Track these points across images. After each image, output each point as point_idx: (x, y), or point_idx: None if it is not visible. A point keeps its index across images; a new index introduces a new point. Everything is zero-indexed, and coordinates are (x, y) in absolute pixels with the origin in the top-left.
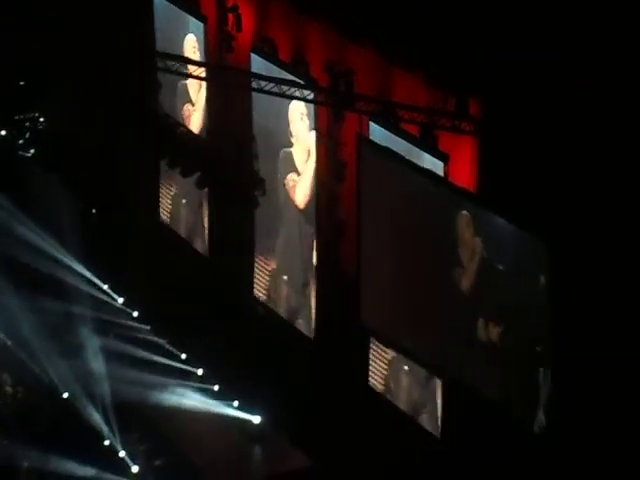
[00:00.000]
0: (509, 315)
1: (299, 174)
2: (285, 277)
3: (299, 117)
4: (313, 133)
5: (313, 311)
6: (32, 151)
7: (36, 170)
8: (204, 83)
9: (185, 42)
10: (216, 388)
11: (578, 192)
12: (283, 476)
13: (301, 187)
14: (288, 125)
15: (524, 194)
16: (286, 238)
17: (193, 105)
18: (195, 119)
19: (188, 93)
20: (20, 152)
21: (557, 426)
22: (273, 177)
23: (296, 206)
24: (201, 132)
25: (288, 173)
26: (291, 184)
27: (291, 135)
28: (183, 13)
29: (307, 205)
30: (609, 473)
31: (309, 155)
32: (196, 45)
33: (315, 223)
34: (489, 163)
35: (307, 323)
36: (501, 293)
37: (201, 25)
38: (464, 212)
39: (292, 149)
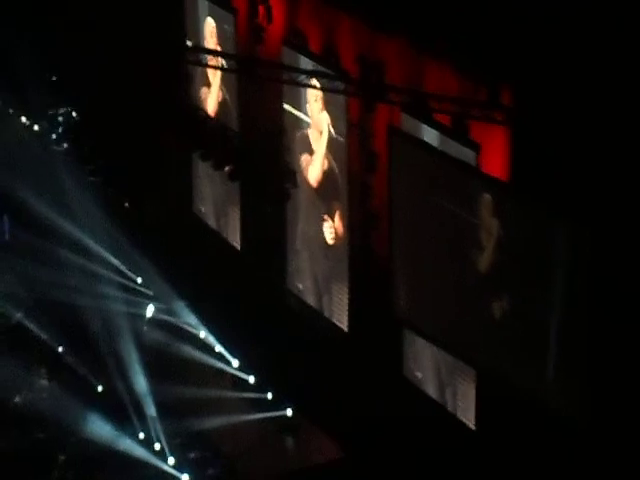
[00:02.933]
0: (526, 297)
1: (312, 154)
2: (307, 258)
3: (314, 98)
4: (325, 114)
5: (345, 301)
6: (65, 145)
7: (69, 164)
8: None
9: (205, 26)
10: (251, 380)
11: (609, 180)
12: (317, 468)
13: (314, 166)
14: (305, 107)
15: (556, 182)
16: (304, 219)
17: (209, 87)
18: (211, 102)
19: (205, 75)
20: (53, 146)
21: (592, 416)
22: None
23: (310, 185)
24: (232, 124)
25: (303, 153)
26: (304, 164)
27: (307, 115)
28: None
29: (319, 183)
30: None
31: (321, 135)
32: (214, 30)
33: (347, 214)
34: (521, 152)
35: (340, 314)
36: (517, 275)
37: (220, 11)
38: (487, 195)
39: (308, 130)
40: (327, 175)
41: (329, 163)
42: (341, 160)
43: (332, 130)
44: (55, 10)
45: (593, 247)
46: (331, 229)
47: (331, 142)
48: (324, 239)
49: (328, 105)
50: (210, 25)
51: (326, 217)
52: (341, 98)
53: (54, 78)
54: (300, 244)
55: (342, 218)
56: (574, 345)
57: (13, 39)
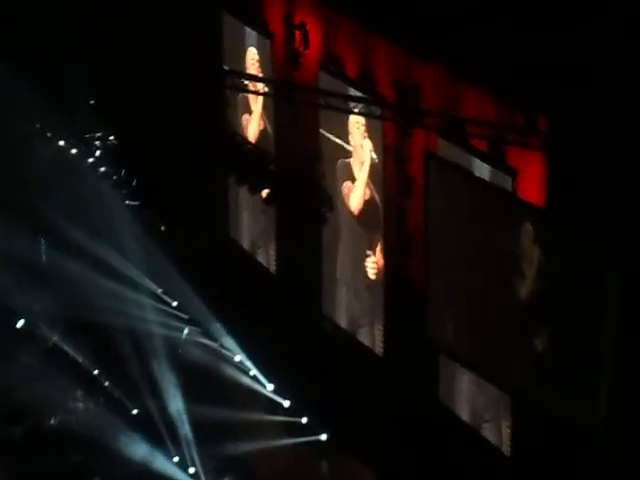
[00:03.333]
0: (570, 326)
1: (354, 181)
2: (345, 288)
3: (356, 126)
4: (368, 141)
5: (381, 327)
6: (102, 169)
7: (106, 187)
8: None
9: (247, 55)
10: (286, 404)
11: None
12: None
13: (355, 193)
14: (348, 136)
15: (593, 209)
16: (343, 247)
17: (250, 114)
18: (252, 128)
19: (247, 103)
20: (90, 170)
21: (625, 443)
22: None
23: (351, 212)
24: (269, 148)
25: (344, 181)
26: (346, 191)
27: (348, 143)
28: (244, 26)
29: (360, 211)
30: None
31: (363, 163)
32: (256, 58)
33: (382, 239)
34: (558, 178)
35: (375, 339)
36: (560, 304)
37: (264, 39)
38: (527, 224)
39: (350, 159)
40: (369, 204)
41: (370, 192)
42: (381, 187)
43: (374, 157)
44: (97, 34)
45: (628, 274)
46: (374, 264)
47: (372, 169)
48: (366, 274)
49: (370, 132)
50: (252, 54)
51: (369, 252)
52: (381, 125)
53: (93, 101)
54: (340, 275)
55: (382, 249)
56: (619, 379)
57: (53, 62)
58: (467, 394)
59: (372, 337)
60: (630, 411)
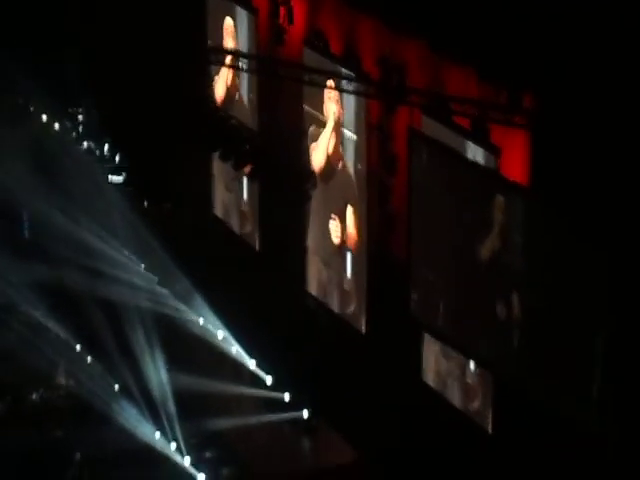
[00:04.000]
0: (543, 304)
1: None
2: (315, 256)
3: (327, 96)
4: (332, 104)
5: (364, 304)
6: (85, 144)
7: (89, 163)
8: None
9: (224, 24)
10: (269, 381)
11: (630, 186)
12: (332, 470)
13: (316, 155)
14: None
15: (576, 187)
16: (312, 213)
17: (226, 86)
18: (227, 101)
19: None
20: (73, 145)
21: (611, 425)
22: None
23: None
24: (252, 125)
25: (311, 143)
26: (312, 153)
27: (323, 114)
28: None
29: (323, 173)
30: None
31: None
32: (233, 29)
33: (366, 216)
34: (541, 156)
35: (358, 316)
36: (533, 279)
37: (242, 10)
38: (501, 197)
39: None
40: (338, 171)
41: (342, 160)
42: (356, 159)
43: (345, 128)
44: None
45: (612, 256)
46: (337, 229)
47: (345, 140)
48: (331, 239)
49: (341, 101)
50: (229, 25)
51: (333, 216)
52: (355, 97)
53: (78, 76)
54: (310, 243)
55: (356, 219)
56: (590, 355)
57: (33, 37)
58: (449, 372)
59: (356, 316)
60: (609, 389)
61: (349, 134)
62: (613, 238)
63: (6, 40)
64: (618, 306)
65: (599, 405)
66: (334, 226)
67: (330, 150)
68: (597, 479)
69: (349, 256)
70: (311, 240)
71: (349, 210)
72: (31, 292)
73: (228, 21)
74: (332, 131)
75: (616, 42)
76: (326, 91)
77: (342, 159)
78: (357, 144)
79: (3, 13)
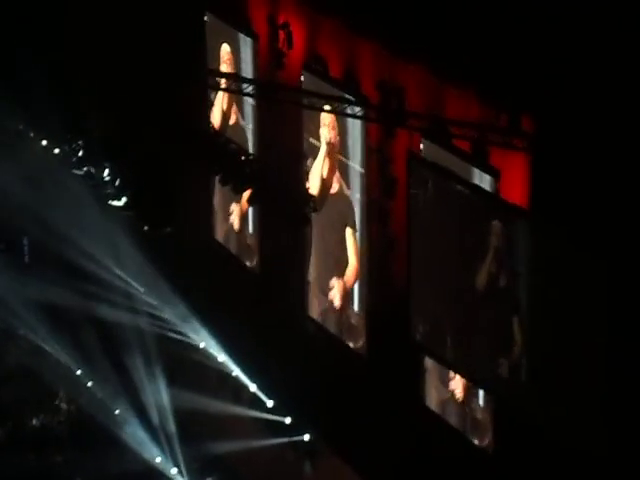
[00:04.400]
0: (547, 329)
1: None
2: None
3: (323, 122)
4: (324, 129)
5: (364, 328)
6: (85, 169)
7: (89, 188)
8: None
9: (221, 51)
10: (270, 404)
11: (629, 208)
12: None
13: (312, 178)
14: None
15: (576, 210)
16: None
17: (225, 111)
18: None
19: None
20: (73, 170)
21: (616, 450)
22: None
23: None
24: (252, 149)
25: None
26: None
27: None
28: (219, 23)
29: (318, 195)
30: None
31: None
32: (230, 55)
33: (366, 239)
34: (541, 179)
35: (359, 340)
36: (536, 305)
37: (241, 36)
38: (500, 221)
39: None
40: (336, 197)
41: (340, 187)
42: (354, 184)
43: (343, 154)
44: (75, 31)
45: (611, 277)
46: (337, 287)
47: (343, 166)
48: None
49: (338, 127)
50: (225, 52)
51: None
52: (353, 121)
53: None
54: (311, 271)
55: (355, 243)
56: (589, 379)
57: (32, 62)
58: (451, 396)
59: (355, 337)
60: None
61: (346, 159)
62: (613, 250)
63: (6, 63)
64: (615, 332)
65: (606, 432)
66: (335, 284)
67: (325, 175)
68: None
69: (349, 281)
70: (311, 267)
71: (348, 233)
72: (31, 317)
73: (225, 48)
74: (325, 157)
75: (614, 64)
76: (321, 116)
77: (340, 184)
78: (355, 169)
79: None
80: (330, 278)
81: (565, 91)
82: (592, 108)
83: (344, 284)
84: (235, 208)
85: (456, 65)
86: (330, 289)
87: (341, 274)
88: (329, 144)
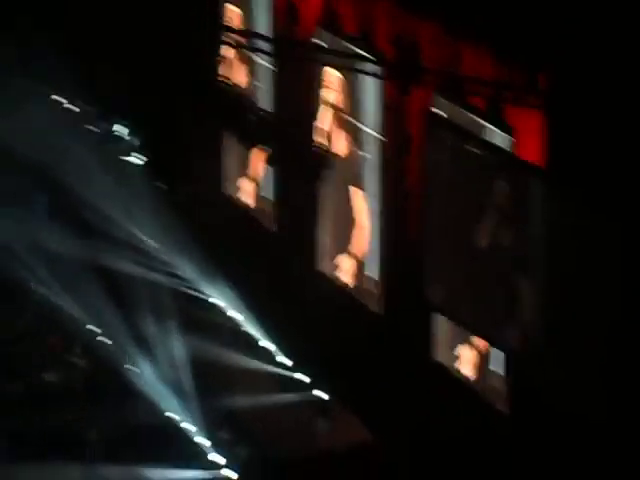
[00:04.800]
0: (554, 287)
1: None
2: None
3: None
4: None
5: (379, 285)
6: (101, 125)
7: (103, 144)
8: None
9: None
10: (281, 361)
11: None
12: (348, 451)
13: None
14: None
15: (592, 168)
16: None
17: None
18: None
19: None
20: (88, 126)
21: (623, 417)
22: None
23: None
24: (267, 106)
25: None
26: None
27: None
28: None
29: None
30: None
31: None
32: (240, 17)
33: (380, 199)
34: (557, 136)
35: (373, 297)
36: (547, 261)
37: None
38: (518, 178)
39: None
40: (347, 158)
41: (351, 147)
42: (368, 142)
43: (352, 115)
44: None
45: (625, 240)
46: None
47: (352, 128)
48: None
49: (347, 87)
50: (235, 13)
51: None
52: (365, 79)
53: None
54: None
55: (369, 201)
56: (595, 344)
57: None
58: (464, 353)
59: (372, 297)
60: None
61: (357, 120)
62: (628, 212)
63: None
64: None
65: (609, 398)
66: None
67: (331, 137)
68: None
69: (363, 236)
70: (325, 223)
71: (359, 195)
72: (46, 273)
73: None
74: (331, 118)
75: (631, 23)
76: (327, 78)
77: (349, 145)
78: (367, 130)
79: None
80: (342, 242)
81: (581, 49)
82: (608, 65)
83: (356, 250)
84: (250, 165)
85: (471, 22)
86: (342, 256)
87: (352, 239)
88: (333, 106)
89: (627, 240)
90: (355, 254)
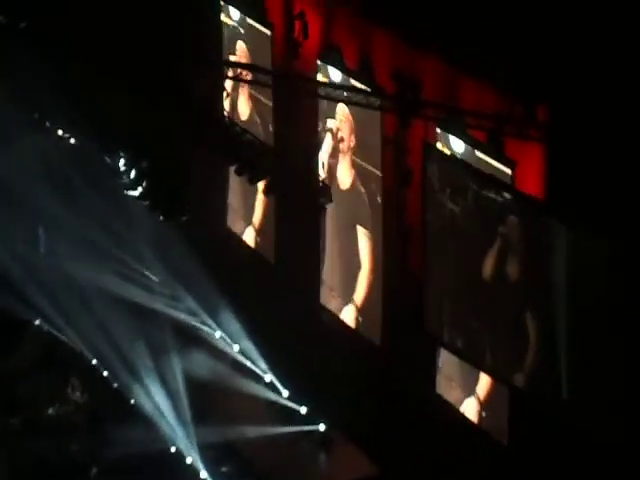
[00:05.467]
0: (560, 317)
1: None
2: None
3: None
4: (331, 120)
5: (380, 318)
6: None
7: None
8: None
9: (237, 48)
10: (285, 394)
11: None
12: None
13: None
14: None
15: (592, 201)
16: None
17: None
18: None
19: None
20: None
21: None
22: None
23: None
24: (268, 140)
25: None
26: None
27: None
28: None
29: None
30: None
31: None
32: (246, 52)
33: (382, 231)
34: (557, 170)
35: (374, 330)
36: (551, 295)
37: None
38: (517, 211)
39: None
40: (348, 193)
41: (352, 181)
42: (368, 175)
43: (356, 149)
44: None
45: (627, 265)
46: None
47: (355, 162)
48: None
49: (352, 119)
50: (241, 48)
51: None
52: (366, 113)
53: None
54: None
55: (369, 236)
56: (608, 371)
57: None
58: (464, 385)
59: (370, 327)
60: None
61: (359, 155)
62: (630, 242)
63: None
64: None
65: (624, 421)
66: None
67: (336, 170)
68: None
69: (364, 272)
70: (326, 258)
71: (361, 232)
72: (46, 307)
73: (241, 45)
74: (336, 151)
75: (629, 54)
76: (337, 113)
77: (353, 180)
78: (368, 164)
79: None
80: (344, 276)
81: (580, 81)
82: (607, 98)
83: (359, 284)
84: (251, 199)
85: (471, 55)
86: (345, 289)
87: (354, 273)
88: (340, 139)
89: (630, 270)
90: (357, 288)
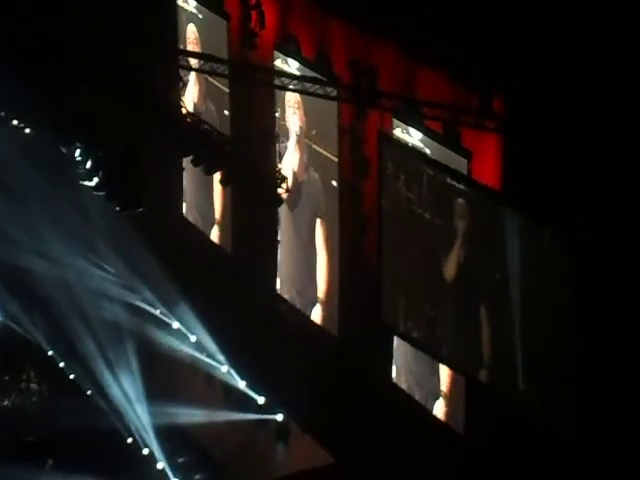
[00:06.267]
0: (509, 306)
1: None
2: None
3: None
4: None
5: (336, 308)
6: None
7: (61, 167)
8: None
9: (187, 32)
10: (242, 384)
11: (599, 188)
12: (306, 473)
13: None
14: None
15: (547, 190)
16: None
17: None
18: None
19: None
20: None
21: (585, 429)
22: None
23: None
24: (224, 129)
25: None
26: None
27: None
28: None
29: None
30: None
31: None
32: (196, 36)
33: (338, 220)
34: (513, 160)
35: (330, 320)
36: (499, 283)
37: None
38: (467, 200)
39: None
40: (305, 183)
41: (307, 172)
42: (324, 165)
43: (312, 136)
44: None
45: (578, 255)
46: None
47: (311, 149)
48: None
49: (304, 109)
50: (192, 31)
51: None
52: (323, 102)
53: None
54: (283, 252)
55: (326, 227)
56: (556, 355)
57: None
58: (420, 374)
59: (327, 317)
60: (576, 388)
61: (316, 144)
62: (582, 233)
63: None
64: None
65: (577, 411)
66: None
67: (295, 161)
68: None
69: (321, 261)
70: (283, 248)
71: (318, 223)
72: (2, 297)
73: (191, 28)
74: (296, 143)
75: (585, 45)
76: (288, 101)
77: (308, 171)
78: (325, 153)
79: None
80: (301, 266)
81: (535, 72)
82: (562, 89)
83: (316, 273)
84: (208, 189)
85: (428, 46)
86: (301, 279)
87: (311, 263)
88: (300, 128)
89: (581, 261)
90: (315, 278)
